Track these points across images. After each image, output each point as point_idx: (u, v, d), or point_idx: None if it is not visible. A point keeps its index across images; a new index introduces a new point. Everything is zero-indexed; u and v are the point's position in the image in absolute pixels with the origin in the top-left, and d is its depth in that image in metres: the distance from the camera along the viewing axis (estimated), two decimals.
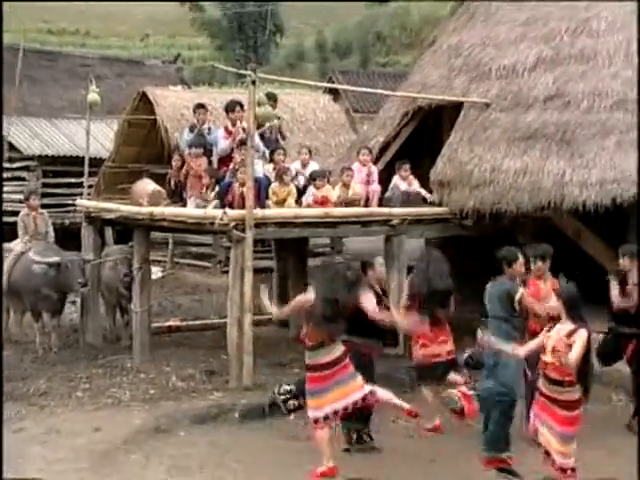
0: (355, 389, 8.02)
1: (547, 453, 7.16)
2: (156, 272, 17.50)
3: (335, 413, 8.04)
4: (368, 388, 8.07)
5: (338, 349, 8.02)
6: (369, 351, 8.76)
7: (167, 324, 14.19)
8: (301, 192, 12.07)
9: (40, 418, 9.73)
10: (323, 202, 11.78)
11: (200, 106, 12.95)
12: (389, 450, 8.72)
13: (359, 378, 8.06)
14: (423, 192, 12.78)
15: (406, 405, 8.36)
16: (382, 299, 8.92)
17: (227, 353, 10.85)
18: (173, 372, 11.28)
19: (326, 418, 7.98)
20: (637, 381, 9.50)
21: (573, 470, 7.10)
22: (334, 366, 7.98)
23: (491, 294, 8.46)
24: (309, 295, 8.14)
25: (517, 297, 8.31)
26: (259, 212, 10.80)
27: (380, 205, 12.40)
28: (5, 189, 20.06)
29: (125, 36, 55.73)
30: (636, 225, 11.16)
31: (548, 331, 7.22)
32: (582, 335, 6.94)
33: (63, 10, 59.00)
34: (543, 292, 9.01)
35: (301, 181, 12.40)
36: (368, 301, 8.37)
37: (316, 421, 7.98)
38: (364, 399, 8.05)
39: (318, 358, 8.00)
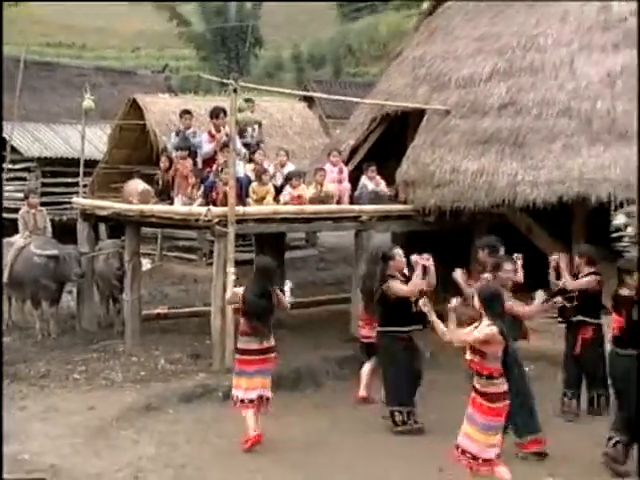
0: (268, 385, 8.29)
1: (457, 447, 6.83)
2: (146, 264, 17.43)
3: (260, 398, 8.21)
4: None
5: (268, 341, 8.24)
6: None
7: (156, 312, 14.11)
8: (278, 191, 12.05)
9: (40, 398, 9.73)
10: (299, 200, 11.79)
11: (186, 112, 12.95)
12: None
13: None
14: (385, 190, 12.82)
15: None
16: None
17: (211, 338, 10.82)
18: (162, 355, 11.27)
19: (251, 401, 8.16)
20: (587, 373, 9.35)
21: (489, 461, 6.70)
22: (261, 354, 8.19)
23: None
24: (239, 290, 8.48)
25: None
26: (240, 209, 10.76)
27: (350, 202, 12.45)
28: (7, 188, 20.20)
29: (118, 48, 55.54)
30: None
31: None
32: (482, 326, 6.69)
33: (61, 25, 58.84)
34: None
35: (278, 181, 12.38)
36: (398, 287, 8.58)
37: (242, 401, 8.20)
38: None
39: (249, 344, 8.19)
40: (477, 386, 6.74)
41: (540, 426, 7.97)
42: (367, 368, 9.82)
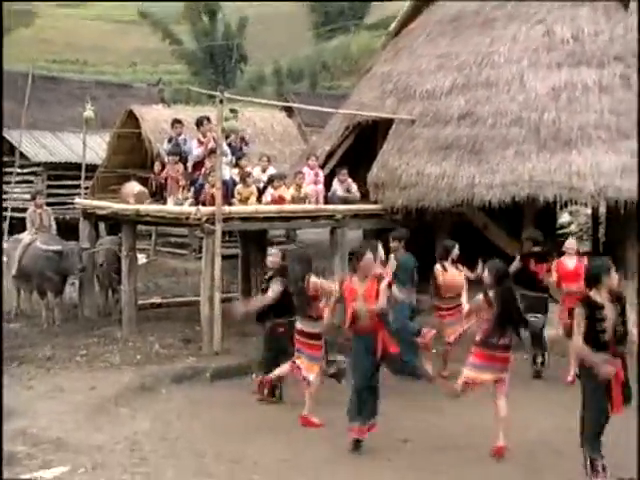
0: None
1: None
2: (141, 258, 17.35)
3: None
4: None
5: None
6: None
7: (150, 301, 14.10)
8: (261, 192, 12.07)
9: (46, 378, 9.72)
10: (279, 200, 11.82)
11: (177, 121, 12.91)
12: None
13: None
14: (356, 192, 12.82)
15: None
16: None
17: (200, 325, 10.84)
18: (155, 341, 11.25)
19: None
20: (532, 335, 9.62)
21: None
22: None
23: None
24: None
25: None
26: (226, 209, 10.78)
27: (325, 203, 12.47)
28: (16, 190, 20.28)
29: (116, 64, 55.56)
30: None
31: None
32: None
33: (65, 44, 59.33)
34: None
35: (261, 183, 12.40)
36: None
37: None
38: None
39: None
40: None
41: None
42: None
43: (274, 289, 8.55)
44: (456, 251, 9.89)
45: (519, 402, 7.74)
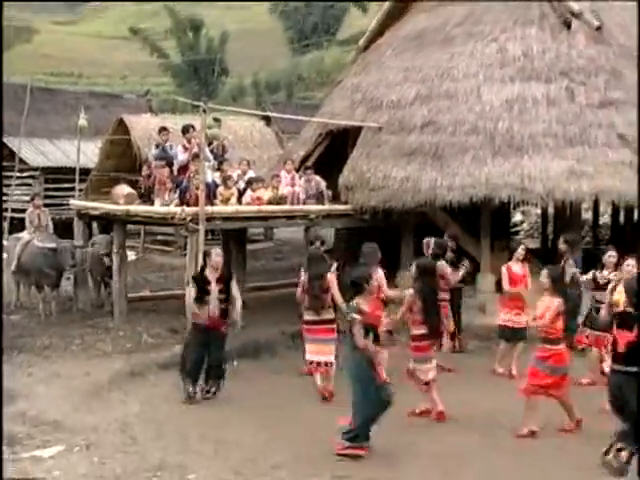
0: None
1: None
2: (131, 255, 17.22)
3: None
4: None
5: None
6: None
7: (140, 294, 13.96)
8: (241, 193, 12.04)
9: (44, 365, 9.67)
10: (258, 201, 11.79)
11: (164, 129, 12.82)
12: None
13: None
14: (323, 187, 12.80)
15: None
16: None
17: (185, 316, 10.80)
18: (144, 331, 11.18)
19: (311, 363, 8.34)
20: None
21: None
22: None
23: None
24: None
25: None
26: (209, 209, 10.75)
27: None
28: (16, 192, 20.12)
29: (108, 77, 55.46)
30: None
31: None
32: None
33: (62, 58, 59.50)
34: None
35: (241, 185, 12.33)
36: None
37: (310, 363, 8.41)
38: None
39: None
40: None
41: None
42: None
43: None
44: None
45: None
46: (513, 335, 9.31)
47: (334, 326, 8.48)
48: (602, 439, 6.44)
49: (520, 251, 9.65)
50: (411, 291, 7.55)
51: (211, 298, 8.29)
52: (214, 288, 8.32)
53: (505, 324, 9.37)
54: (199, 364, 8.40)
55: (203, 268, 8.61)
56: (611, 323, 6.62)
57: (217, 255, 8.56)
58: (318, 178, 12.82)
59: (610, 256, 8.74)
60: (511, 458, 6.74)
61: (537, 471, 6.49)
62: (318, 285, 8.35)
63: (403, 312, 7.65)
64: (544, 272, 7.40)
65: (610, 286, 7.54)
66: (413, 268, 7.66)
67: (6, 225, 18.32)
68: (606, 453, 6.27)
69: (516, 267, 9.56)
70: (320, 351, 8.37)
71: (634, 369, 6.08)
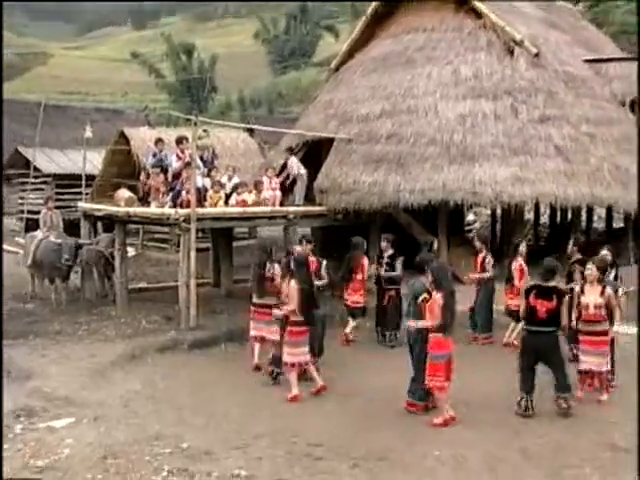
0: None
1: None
2: (131, 251, 17.12)
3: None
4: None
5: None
6: None
7: (139, 286, 13.91)
8: (228, 197, 12.00)
9: (56, 348, 9.63)
10: (243, 203, 11.77)
11: (160, 140, 12.73)
12: None
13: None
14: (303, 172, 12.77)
15: None
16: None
17: (179, 305, 10.77)
18: (143, 318, 11.18)
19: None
20: None
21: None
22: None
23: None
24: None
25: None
26: (199, 211, 10.74)
27: (280, 205, 12.46)
28: (31, 196, 20.68)
29: (111, 94, 55.55)
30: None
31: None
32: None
33: (72, 79, 59.97)
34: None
35: (228, 189, 12.31)
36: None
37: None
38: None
39: None
40: None
41: None
42: (350, 325, 9.93)
43: None
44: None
45: None
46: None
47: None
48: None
49: (522, 249, 9.76)
50: None
51: None
52: None
53: (515, 309, 9.14)
54: None
55: None
56: (527, 294, 7.13)
57: None
58: (296, 160, 12.77)
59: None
60: None
61: None
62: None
63: None
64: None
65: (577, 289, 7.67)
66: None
67: (23, 225, 18.75)
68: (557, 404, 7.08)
69: (523, 264, 9.62)
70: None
71: (552, 329, 7.01)
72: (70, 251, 11.96)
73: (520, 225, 12.97)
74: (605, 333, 7.46)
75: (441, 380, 6.77)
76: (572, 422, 6.97)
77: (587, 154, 12.03)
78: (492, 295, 10.00)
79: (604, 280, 7.61)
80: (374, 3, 14.80)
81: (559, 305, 7.03)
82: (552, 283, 7.17)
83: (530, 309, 7.06)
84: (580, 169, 11.79)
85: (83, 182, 15.15)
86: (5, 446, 6.33)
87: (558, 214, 17.17)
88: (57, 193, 20.98)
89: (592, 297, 7.36)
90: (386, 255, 9.92)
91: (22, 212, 20.99)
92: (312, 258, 8.89)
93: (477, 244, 10.23)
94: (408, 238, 12.31)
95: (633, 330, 9.05)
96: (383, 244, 10.01)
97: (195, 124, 11.00)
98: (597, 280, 7.46)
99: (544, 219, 19.16)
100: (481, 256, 10.04)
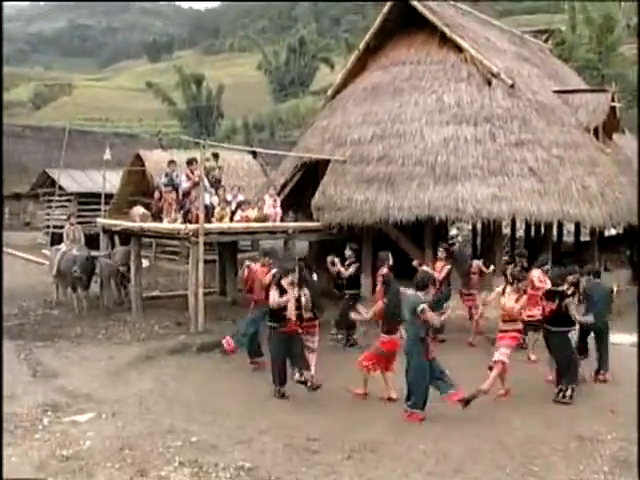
0: None
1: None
2: (145, 263, 17.13)
3: None
4: None
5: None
6: None
7: (152, 294, 13.88)
8: (233, 213, 12.05)
9: (77, 350, 9.66)
10: (246, 219, 11.82)
11: (172, 161, 12.68)
12: None
13: None
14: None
15: None
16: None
17: (188, 312, 10.76)
18: (156, 323, 11.18)
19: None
20: None
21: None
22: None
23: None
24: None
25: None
26: (207, 226, 10.76)
27: (281, 220, 12.49)
28: (55, 212, 21.20)
29: (128, 120, 56.32)
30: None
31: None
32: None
33: (93, 107, 61.45)
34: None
35: (233, 207, 12.34)
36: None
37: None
38: None
39: None
40: None
41: None
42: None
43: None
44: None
45: None
46: (536, 327, 8.46)
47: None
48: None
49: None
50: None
51: None
52: None
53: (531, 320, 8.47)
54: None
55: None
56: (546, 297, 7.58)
57: None
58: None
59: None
60: None
61: None
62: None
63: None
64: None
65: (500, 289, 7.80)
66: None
67: (48, 238, 19.00)
68: (557, 396, 7.32)
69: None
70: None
71: (557, 328, 7.32)
72: (81, 263, 11.98)
73: (498, 239, 13.02)
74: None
75: (372, 365, 7.34)
76: (544, 417, 7.01)
77: (557, 175, 12.12)
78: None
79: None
80: (366, 37, 14.93)
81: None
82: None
83: (543, 310, 7.58)
84: (551, 188, 11.87)
85: (102, 200, 15.24)
86: (36, 436, 6.42)
87: (532, 229, 17.28)
88: (79, 210, 21.28)
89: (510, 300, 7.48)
90: (348, 262, 9.89)
91: (48, 227, 21.12)
92: (262, 268, 8.72)
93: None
94: (397, 250, 12.31)
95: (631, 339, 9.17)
96: (347, 252, 9.96)
97: (203, 147, 11.06)
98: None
99: (520, 233, 19.25)
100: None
